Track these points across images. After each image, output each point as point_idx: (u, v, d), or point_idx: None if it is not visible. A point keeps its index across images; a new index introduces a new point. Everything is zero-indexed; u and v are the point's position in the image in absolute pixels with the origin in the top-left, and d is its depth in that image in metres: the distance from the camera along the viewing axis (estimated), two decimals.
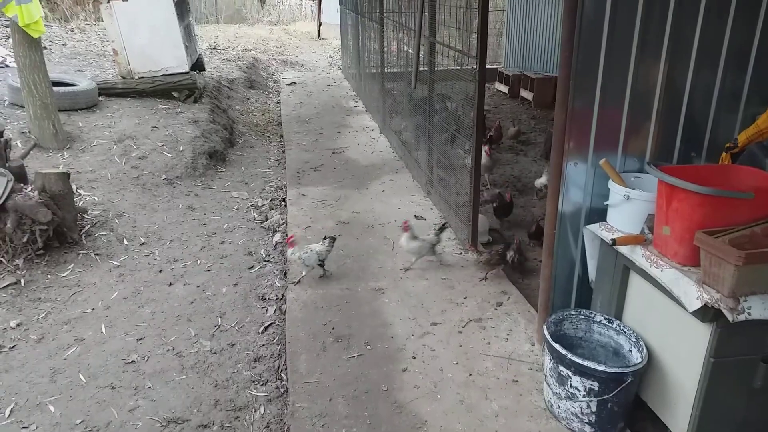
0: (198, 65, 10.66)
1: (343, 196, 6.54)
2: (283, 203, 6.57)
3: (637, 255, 2.98)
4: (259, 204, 6.56)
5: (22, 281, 4.67)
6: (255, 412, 3.46)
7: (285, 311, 4.35)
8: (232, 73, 12.42)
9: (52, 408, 3.42)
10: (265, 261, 5.25)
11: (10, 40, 7.13)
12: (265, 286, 4.81)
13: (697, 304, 2.53)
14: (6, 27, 12.04)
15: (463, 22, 5.10)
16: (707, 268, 2.57)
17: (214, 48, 15.31)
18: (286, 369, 3.74)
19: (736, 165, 3.12)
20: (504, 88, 12.55)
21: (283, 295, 4.62)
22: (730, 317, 2.46)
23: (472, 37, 4.77)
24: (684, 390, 2.78)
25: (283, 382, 3.68)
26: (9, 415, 3.36)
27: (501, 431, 3.11)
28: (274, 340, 4.13)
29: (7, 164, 5.17)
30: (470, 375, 3.56)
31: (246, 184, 7.23)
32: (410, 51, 7.05)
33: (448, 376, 3.56)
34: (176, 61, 9.16)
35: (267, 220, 6.12)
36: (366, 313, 4.24)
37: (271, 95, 12.55)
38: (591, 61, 3.18)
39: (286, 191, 6.81)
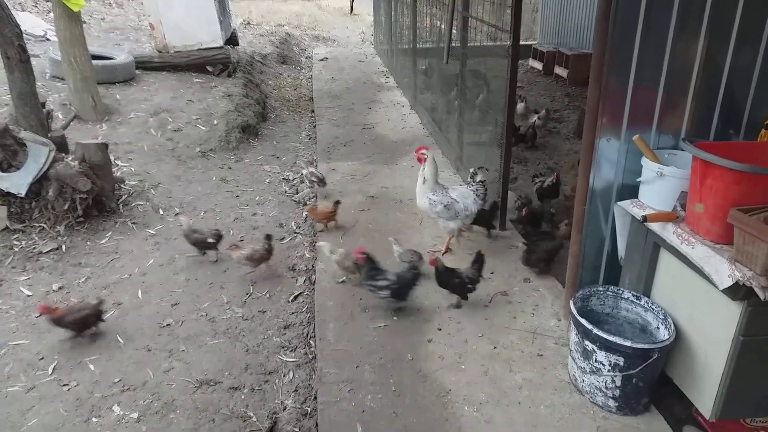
0: (232, 40, 10.75)
1: (373, 171, 6.58)
2: None
3: (668, 232, 2.95)
4: (290, 178, 6.64)
5: (64, 247, 4.86)
6: (284, 376, 3.57)
7: (314, 281, 4.44)
8: (265, 48, 12.49)
9: (92, 367, 3.59)
10: (295, 233, 5.34)
11: (52, 14, 7.30)
12: (295, 257, 4.90)
13: (729, 282, 2.51)
14: (47, 1, 12.30)
15: None
16: (740, 246, 2.54)
17: (248, 23, 15.38)
18: (314, 336, 3.84)
19: None
20: (538, 65, 12.32)
21: (312, 266, 4.71)
22: (762, 295, 2.43)
23: (506, 12, 4.70)
24: (711, 368, 2.77)
25: (312, 349, 3.79)
26: (52, 372, 3.54)
27: (524, 403, 3.15)
28: (304, 309, 4.23)
29: (49, 134, 5.35)
30: (495, 348, 3.60)
31: (278, 158, 7.32)
32: (443, 26, 6.98)
33: (472, 348, 3.60)
34: (211, 36, 9.26)
35: (298, 193, 6.21)
36: None
37: (303, 70, 12.58)
38: (627, 35, 3.12)
39: (316, 165, 6.88)
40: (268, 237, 4.50)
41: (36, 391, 3.40)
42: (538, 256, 4.35)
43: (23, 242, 4.84)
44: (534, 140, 7.53)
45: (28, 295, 4.28)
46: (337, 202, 5.13)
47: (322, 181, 5.98)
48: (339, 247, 4.36)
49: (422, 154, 4.51)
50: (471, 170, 4.86)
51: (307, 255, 4.92)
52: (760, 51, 3.19)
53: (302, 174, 6.24)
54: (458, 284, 3.92)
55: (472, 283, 3.93)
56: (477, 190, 4.64)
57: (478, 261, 3.99)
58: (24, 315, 4.06)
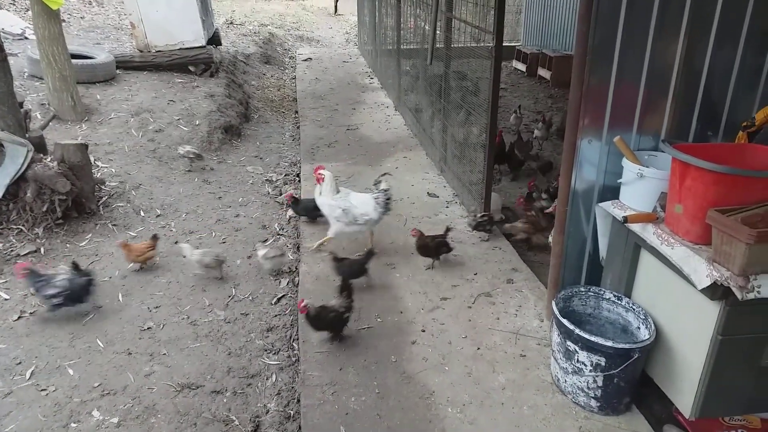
0: (214, 39, 10.65)
1: (357, 172, 6.56)
2: (297, 178, 6.62)
3: (648, 233, 2.98)
4: (274, 179, 6.61)
5: (42, 249, 4.78)
6: (267, 379, 3.55)
7: (297, 283, 4.42)
8: (248, 48, 12.41)
9: (71, 371, 3.53)
10: (278, 234, 5.31)
11: (30, 12, 7.18)
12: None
13: (707, 282, 2.54)
14: None
15: None
16: (718, 246, 2.57)
17: (231, 23, 15.26)
18: (297, 339, 3.82)
19: (752, 144, 3.09)
20: (522, 67, 12.40)
21: (296, 268, 4.69)
22: (739, 295, 2.46)
23: (490, 14, 4.72)
24: (691, 367, 2.80)
25: (295, 352, 3.77)
26: (30, 377, 3.47)
27: (507, 403, 3.16)
28: (287, 311, 4.20)
29: (27, 135, 5.25)
30: (478, 349, 3.60)
31: (261, 158, 7.28)
32: (427, 27, 6.99)
33: (456, 349, 3.61)
34: (193, 35, 9.18)
35: (281, 194, 6.17)
36: (377, 286, 4.30)
37: (286, 71, 12.53)
38: (608, 36, 3.15)
39: (300, 167, 6.85)
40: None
41: (13, 396, 3.33)
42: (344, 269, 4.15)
43: (0, 245, 4.75)
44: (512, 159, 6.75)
45: (6, 299, 4.20)
46: (155, 237, 4.68)
47: (199, 157, 6.52)
48: (200, 248, 4.55)
49: (320, 174, 4.68)
50: (375, 178, 4.87)
51: (290, 257, 4.90)
52: (738, 53, 3.24)
53: (179, 152, 6.54)
54: (334, 319, 3.59)
55: (348, 312, 3.64)
56: (377, 197, 4.64)
57: (346, 288, 3.74)
58: (1, 319, 3.99)
